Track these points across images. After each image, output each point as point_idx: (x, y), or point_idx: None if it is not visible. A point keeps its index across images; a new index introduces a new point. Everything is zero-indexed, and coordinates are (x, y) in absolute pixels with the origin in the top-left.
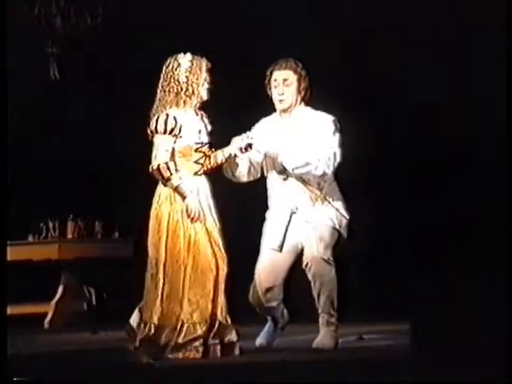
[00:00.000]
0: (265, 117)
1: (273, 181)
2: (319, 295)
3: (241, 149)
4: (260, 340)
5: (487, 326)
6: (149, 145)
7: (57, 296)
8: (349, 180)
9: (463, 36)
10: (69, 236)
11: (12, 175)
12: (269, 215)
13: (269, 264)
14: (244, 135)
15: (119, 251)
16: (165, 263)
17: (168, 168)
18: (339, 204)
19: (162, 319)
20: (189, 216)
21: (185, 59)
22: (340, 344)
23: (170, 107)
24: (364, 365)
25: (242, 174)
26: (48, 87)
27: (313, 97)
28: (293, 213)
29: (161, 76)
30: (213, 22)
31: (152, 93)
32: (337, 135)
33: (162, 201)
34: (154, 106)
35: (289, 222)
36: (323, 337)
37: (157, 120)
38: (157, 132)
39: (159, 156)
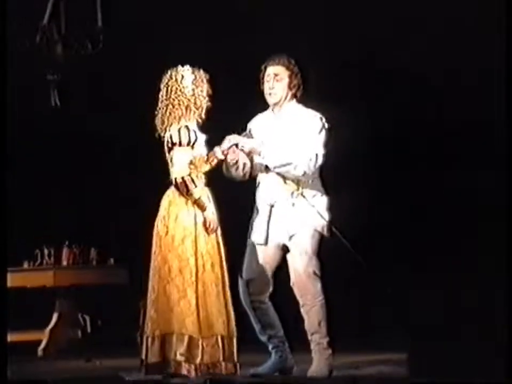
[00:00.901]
0: (261, 113)
1: (260, 176)
2: (307, 313)
3: (223, 152)
4: (256, 368)
5: (487, 329)
6: (143, 169)
7: (52, 323)
8: (340, 178)
9: (462, 34)
10: (64, 263)
11: (6, 202)
12: (254, 209)
13: (252, 258)
14: (226, 138)
15: (114, 278)
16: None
17: (193, 180)
18: (320, 202)
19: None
20: (207, 228)
21: (187, 71)
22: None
23: (185, 120)
24: None
25: (239, 174)
26: (48, 114)
27: (308, 94)
28: (271, 206)
29: (164, 87)
30: (213, 30)
31: (152, 116)
32: (323, 133)
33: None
34: (163, 119)
35: (269, 216)
36: (317, 365)
37: (179, 133)
38: (180, 145)
39: (183, 168)
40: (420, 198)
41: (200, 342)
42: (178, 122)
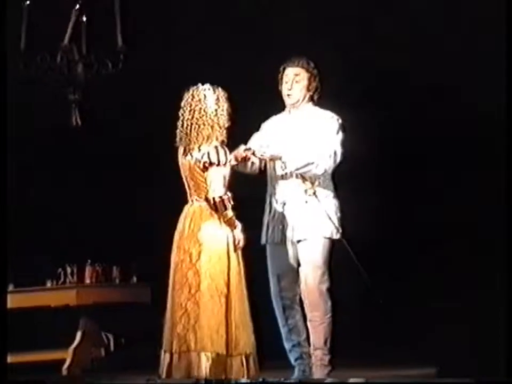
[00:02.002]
0: (275, 115)
1: (272, 173)
2: (315, 329)
3: (236, 158)
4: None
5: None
6: (163, 187)
7: (76, 342)
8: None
9: (464, 36)
10: (87, 281)
11: (30, 221)
12: (266, 208)
13: (274, 256)
14: (242, 147)
15: (137, 296)
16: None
17: (229, 200)
18: (331, 204)
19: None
20: (235, 245)
21: (209, 91)
22: None
23: (211, 139)
24: None
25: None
26: (68, 132)
27: (322, 97)
28: (284, 204)
29: (187, 107)
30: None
31: (172, 134)
32: (341, 133)
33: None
34: (190, 139)
35: (283, 214)
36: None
37: (217, 153)
38: (218, 165)
39: (221, 187)
40: (433, 203)
41: (226, 360)
42: (208, 142)
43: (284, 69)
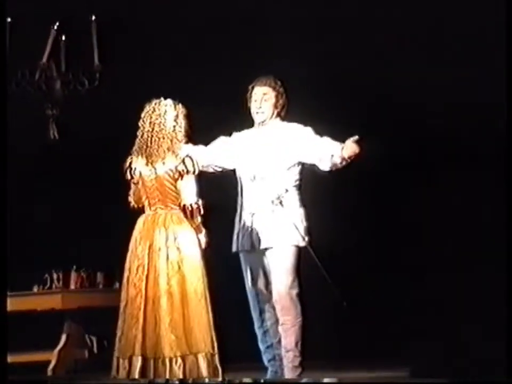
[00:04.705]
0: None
1: (243, 182)
2: (286, 332)
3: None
4: None
5: (487, 328)
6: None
7: (60, 344)
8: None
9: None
10: (72, 287)
11: (17, 229)
12: (236, 218)
13: (247, 264)
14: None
15: (119, 301)
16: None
17: (203, 206)
18: (297, 213)
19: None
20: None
21: (170, 107)
22: None
23: (174, 151)
24: None
25: None
26: (48, 146)
27: (290, 112)
28: (253, 214)
29: (147, 119)
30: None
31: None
32: (309, 142)
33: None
34: (151, 151)
35: (252, 223)
36: None
37: (188, 162)
38: (187, 173)
39: (195, 194)
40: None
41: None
42: (169, 154)
43: (253, 88)
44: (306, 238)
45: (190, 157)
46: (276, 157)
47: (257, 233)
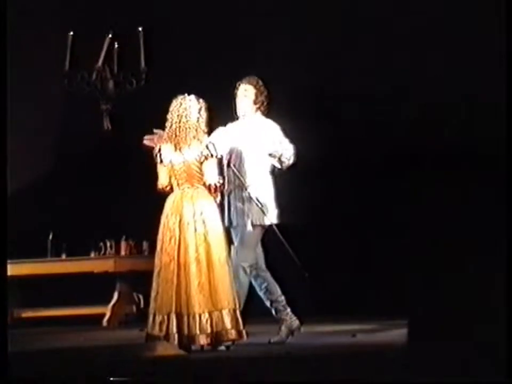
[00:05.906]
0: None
1: (224, 166)
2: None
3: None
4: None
5: (486, 325)
6: None
7: (113, 300)
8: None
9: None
10: (122, 253)
11: (78, 207)
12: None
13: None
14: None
15: None
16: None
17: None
18: (266, 196)
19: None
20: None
21: (194, 101)
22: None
23: (199, 139)
24: (358, 363)
25: None
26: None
27: (273, 108)
28: (229, 195)
29: (175, 111)
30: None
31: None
32: (282, 139)
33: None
34: (179, 139)
35: (229, 203)
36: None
37: (213, 147)
38: (211, 157)
39: (217, 174)
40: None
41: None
42: (195, 141)
43: (239, 85)
44: (272, 219)
45: (213, 143)
46: (249, 147)
47: (233, 212)
